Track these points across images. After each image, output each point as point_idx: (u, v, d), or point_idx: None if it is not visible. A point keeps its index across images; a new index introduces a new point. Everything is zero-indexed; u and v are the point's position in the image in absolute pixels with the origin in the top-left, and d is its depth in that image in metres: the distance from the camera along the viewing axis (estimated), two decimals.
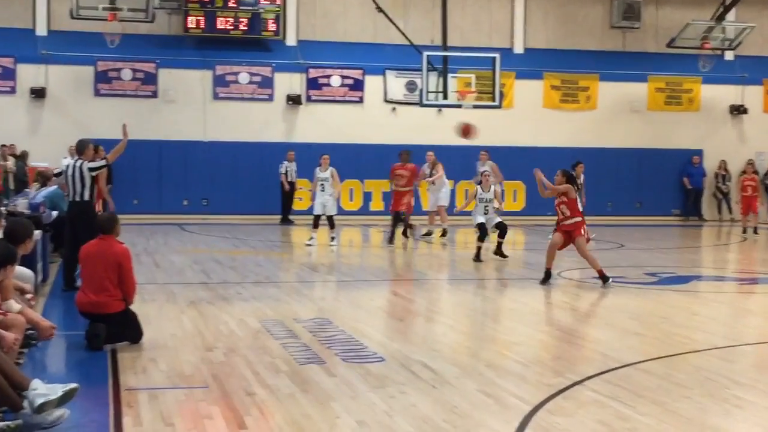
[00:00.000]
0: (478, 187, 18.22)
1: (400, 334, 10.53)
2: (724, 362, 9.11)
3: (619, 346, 9.78)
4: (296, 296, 12.98)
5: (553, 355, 9.44)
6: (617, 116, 29.76)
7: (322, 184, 20.00)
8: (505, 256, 17.55)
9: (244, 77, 27.53)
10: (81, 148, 13.40)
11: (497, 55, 23.44)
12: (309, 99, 27.93)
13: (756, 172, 25.65)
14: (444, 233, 21.56)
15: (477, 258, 17.24)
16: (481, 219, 17.91)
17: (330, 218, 19.89)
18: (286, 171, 25.74)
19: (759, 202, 24.29)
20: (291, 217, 25.79)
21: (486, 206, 18.00)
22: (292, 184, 25.75)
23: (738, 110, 30.36)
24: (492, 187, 18.26)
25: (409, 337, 10.41)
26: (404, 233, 20.21)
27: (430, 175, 21.67)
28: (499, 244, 17.72)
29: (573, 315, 12.12)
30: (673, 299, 13.26)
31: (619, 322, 11.29)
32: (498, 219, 17.99)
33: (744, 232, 23.89)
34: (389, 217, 21.19)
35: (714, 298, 13.71)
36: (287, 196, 25.91)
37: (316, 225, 20.07)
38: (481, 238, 17.59)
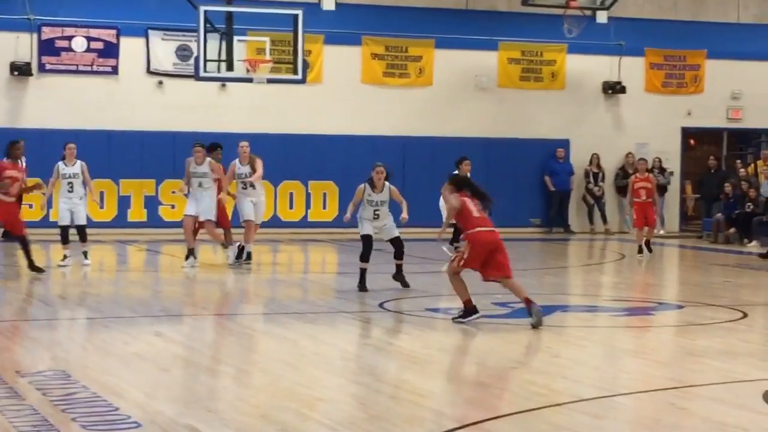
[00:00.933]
0: (366, 185, 17.79)
1: (165, 390, 10.41)
2: (591, 418, 9.32)
3: (456, 400, 9.88)
4: (21, 340, 12.65)
5: (370, 415, 9.49)
6: (459, 95, 30.30)
7: (70, 183, 19.69)
8: (406, 285, 17.56)
9: None
10: None
11: (299, 12, 23.52)
12: (42, 68, 27.43)
13: (651, 171, 26.33)
14: (240, 255, 21.01)
15: (362, 285, 17.18)
16: (368, 228, 17.62)
17: (81, 229, 19.75)
18: None
19: (654, 211, 24.48)
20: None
21: (377, 210, 17.68)
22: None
23: (613, 89, 31.39)
24: (387, 186, 17.75)
25: (176, 393, 10.30)
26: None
27: (249, 175, 20.72)
28: (399, 267, 17.62)
29: (398, 359, 12.22)
30: (529, 337, 13.50)
31: (458, 369, 11.42)
32: (396, 232, 17.78)
33: (639, 252, 23.97)
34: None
35: (582, 335, 14.06)
36: None
37: (65, 239, 20.04)
38: (364, 256, 17.41)
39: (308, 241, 27.24)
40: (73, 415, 9.03)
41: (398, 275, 17.54)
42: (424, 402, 9.97)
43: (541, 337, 13.53)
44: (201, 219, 20.61)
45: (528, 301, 13.86)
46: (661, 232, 29.07)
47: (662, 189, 29.55)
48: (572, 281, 20.76)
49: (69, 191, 20.09)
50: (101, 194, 27.34)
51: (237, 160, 20.76)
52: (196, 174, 20.49)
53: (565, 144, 30.83)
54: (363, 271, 17.35)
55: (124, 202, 27.69)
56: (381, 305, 15.69)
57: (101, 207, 27.39)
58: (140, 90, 28.03)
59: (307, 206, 29.04)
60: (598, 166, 31.03)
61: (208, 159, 20.77)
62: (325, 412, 9.41)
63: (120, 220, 27.66)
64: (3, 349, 12.09)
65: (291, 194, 28.90)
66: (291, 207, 28.95)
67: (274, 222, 28.42)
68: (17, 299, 16.83)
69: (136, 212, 27.68)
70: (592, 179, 31.07)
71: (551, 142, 30.65)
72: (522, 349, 12.71)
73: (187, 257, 20.30)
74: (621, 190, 29.66)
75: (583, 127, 31.28)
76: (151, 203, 27.74)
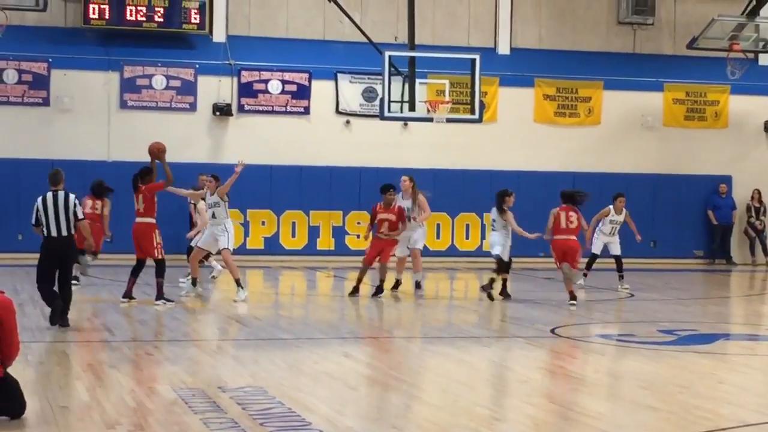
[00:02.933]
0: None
1: (353, 407, 10.49)
2: None
3: (626, 422, 9.78)
4: (222, 358, 12.87)
5: None
6: (626, 133, 30.02)
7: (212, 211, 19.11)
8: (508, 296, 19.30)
9: (159, 81, 27.52)
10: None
11: (477, 57, 23.60)
12: (241, 109, 27.96)
13: None
14: (397, 285, 20.56)
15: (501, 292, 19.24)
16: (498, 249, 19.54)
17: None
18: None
19: None
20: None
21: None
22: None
23: None
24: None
25: (364, 410, 10.37)
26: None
27: (413, 210, 20.08)
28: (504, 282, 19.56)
29: (570, 382, 12.13)
30: (694, 363, 13.29)
31: (627, 392, 11.29)
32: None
33: None
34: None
35: (745, 362, 13.79)
36: None
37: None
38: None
39: (483, 269, 27.17)
40: (270, 429, 9.15)
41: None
42: (595, 423, 9.87)
43: (705, 364, 13.30)
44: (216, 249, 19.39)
45: None
46: None
47: None
48: (734, 311, 20.34)
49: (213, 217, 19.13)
50: (293, 224, 27.78)
51: (398, 194, 19.88)
52: (210, 204, 19.28)
53: (727, 180, 30.27)
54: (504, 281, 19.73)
55: (313, 232, 28.03)
56: (552, 331, 15.61)
57: (293, 236, 27.81)
58: (329, 128, 28.38)
59: (482, 237, 29.00)
60: (760, 201, 30.44)
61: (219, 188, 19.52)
62: (502, 430, 9.39)
63: (310, 248, 27.99)
64: (207, 365, 12.33)
65: (467, 225, 28.92)
66: (467, 237, 28.97)
67: (451, 251, 28.52)
68: (217, 320, 17.15)
69: (325, 241, 28.02)
70: (753, 213, 30.50)
71: (714, 177, 30.13)
72: (687, 375, 12.50)
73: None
74: None
75: (746, 163, 30.69)
76: (339, 233, 28.04)
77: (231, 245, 19.16)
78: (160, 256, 17.83)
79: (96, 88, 27.20)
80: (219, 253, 19.22)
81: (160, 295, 17.76)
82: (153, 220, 17.95)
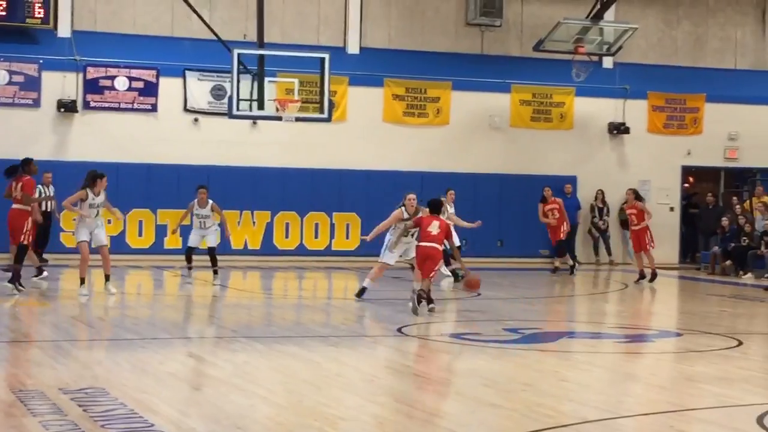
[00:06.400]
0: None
1: (197, 408, 10.40)
2: None
3: (469, 420, 9.86)
4: (64, 359, 12.66)
5: None
6: (474, 134, 30.32)
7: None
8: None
9: (2, 76, 27.02)
10: None
11: (326, 56, 23.61)
12: (87, 105, 27.53)
13: (640, 199, 26.12)
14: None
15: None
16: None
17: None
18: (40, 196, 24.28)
19: (647, 238, 24.65)
20: (47, 255, 24.69)
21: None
22: (47, 214, 24.22)
23: (618, 129, 31.37)
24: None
25: (208, 411, 10.29)
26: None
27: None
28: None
29: (415, 381, 12.21)
30: (537, 361, 13.49)
31: (471, 390, 11.40)
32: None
33: (640, 278, 24.51)
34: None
35: (588, 359, 14.03)
36: (42, 229, 24.33)
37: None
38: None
39: (332, 268, 27.24)
40: (112, 431, 9.03)
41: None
42: (439, 422, 9.95)
43: (548, 362, 13.51)
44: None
45: None
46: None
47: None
48: (578, 309, 20.71)
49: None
50: (140, 223, 27.47)
51: (403, 209, 19.08)
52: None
53: (572, 180, 30.77)
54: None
55: (161, 231, 27.69)
56: (399, 330, 15.68)
57: (139, 235, 27.53)
58: (177, 126, 28.12)
59: (332, 236, 29.04)
60: (603, 201, 30.99)
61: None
62: (346, 430, 9.40)
63: (157, 247, 27.69)
64: (48, 367, 12.11)
65: (316, 225, 28.90)
66: (316, 237, 28.95)
67: (301, 250, 28.49)
68: (59, 320, 16.86)
69: (172, 240, 27.68)
70: (597, 213, 31.04)
71: (559, 178, 30.56)
72: (531, 373, 12.68)
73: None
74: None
75: (590, 164, 31.26)
76: (188, 232, 27.73)
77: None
78: (25, 242, 18.92)
79: None
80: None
81: (14, 279, 18.73)
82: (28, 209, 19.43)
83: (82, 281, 19.04)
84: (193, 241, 22.24)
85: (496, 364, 13.31)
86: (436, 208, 17.67)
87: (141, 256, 26.79)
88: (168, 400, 10.67)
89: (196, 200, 21.92)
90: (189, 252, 22.27)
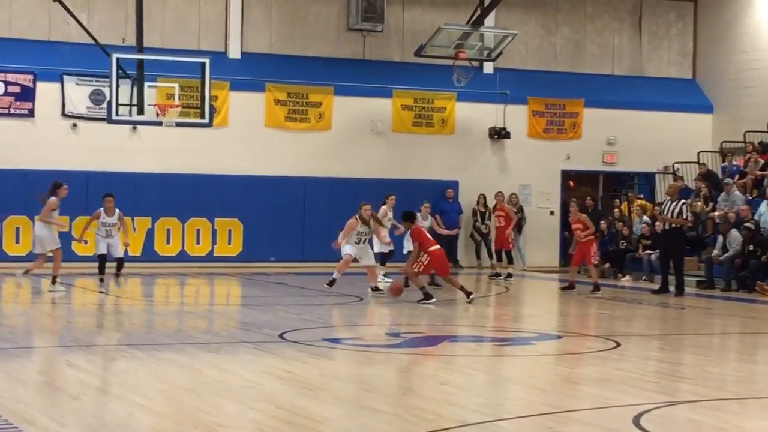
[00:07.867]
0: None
1: (75, 418, 10.26)
2: None
3: (350, 425, 9.87)
4: None
5: None
6: (356, 139, 30.40)
7: None
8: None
9: None
10: None
11: (207, 60, 23.49)
12: None
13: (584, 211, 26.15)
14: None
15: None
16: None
17: None
18: None
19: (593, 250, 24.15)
20: None
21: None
22: None
23: (499, 134, 31.68)
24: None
25: (86, 421, 10.15)
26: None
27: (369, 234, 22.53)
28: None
29: (295, 387, 12.18)
30: (418, 365, 13.56)
31: (352, 396, 11.41)
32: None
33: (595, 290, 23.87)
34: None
35: (468, 363, 14.14)
36: None
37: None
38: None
39: (214, 274, 27.07)
40: None
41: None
42: (319, 427, 9.94)
43: (429, 366, 13.58)
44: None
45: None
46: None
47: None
48: (460, 313, 20.83)
49: None
50: (17, 230, 27.02)
51: (357, 218, 21.84)
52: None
53: (454, 185, 31.00)
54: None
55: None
56: (281, 335, 15.65)
57: (17, 242, 27.05)
58: (55, 131, 27.75)
59: (213, 242, 28.87)
60: (485, 205, 31.24)
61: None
62: None
63: (34, 255, 27.16)
64: None
65: (198, 230, 28.72)
66: (198, 242, 28.76)
67: (182, 257, 28.28)
68: None
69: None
70: (479, 218, 31.31)
71: (441, 183, 30.80)
72: (411, 377, 12.74)
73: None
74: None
75: (471, 169, 31.51)
76: (65, 239, 27.33)
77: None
78: None
79: None
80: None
81: None
82: None
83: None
84: (102, 248, 21.88)
85: (377, 368, 13.35)
86: (413, 217, 21.52)
87: (18, 263, 26.29)
88: (45, 410, 10.51)
89: (102, 208, 21.61)
90: (102, 261, 21.85)
